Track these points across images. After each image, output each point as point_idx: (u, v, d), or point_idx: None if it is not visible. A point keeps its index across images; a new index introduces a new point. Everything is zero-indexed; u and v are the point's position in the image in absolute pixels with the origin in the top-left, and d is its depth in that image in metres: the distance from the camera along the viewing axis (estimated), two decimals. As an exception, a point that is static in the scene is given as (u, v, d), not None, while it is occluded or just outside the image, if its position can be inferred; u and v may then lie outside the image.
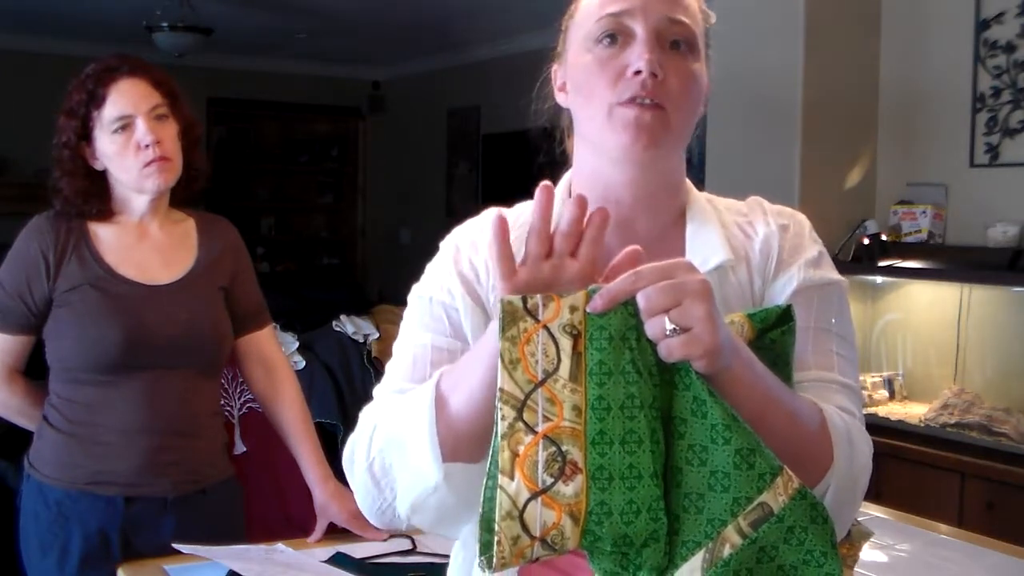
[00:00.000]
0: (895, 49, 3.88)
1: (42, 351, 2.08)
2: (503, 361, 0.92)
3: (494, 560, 0.91)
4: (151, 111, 2.01)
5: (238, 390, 3.01)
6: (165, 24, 5.91)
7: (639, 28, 1.11)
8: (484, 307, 1.15)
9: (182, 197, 2.14)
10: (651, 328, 0.91)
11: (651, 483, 0.91)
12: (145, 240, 2.08)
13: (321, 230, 9.45)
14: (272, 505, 2.94)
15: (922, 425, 3.39)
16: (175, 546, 1.92)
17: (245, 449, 2.85)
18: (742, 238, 1.18)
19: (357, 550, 2.01)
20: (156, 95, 2.02)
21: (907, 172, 3.85)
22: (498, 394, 0.92)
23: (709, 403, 0.92)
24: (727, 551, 0.91)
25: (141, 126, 1.99)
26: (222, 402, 2.52)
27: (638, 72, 1.09)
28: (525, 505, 0.90)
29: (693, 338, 0.90)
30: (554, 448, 0.91)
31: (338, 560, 1.96)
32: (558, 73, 1.23)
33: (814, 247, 1.18)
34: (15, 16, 6.79)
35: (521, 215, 1.21)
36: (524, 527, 0.90)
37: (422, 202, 8.29)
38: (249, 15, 6.59)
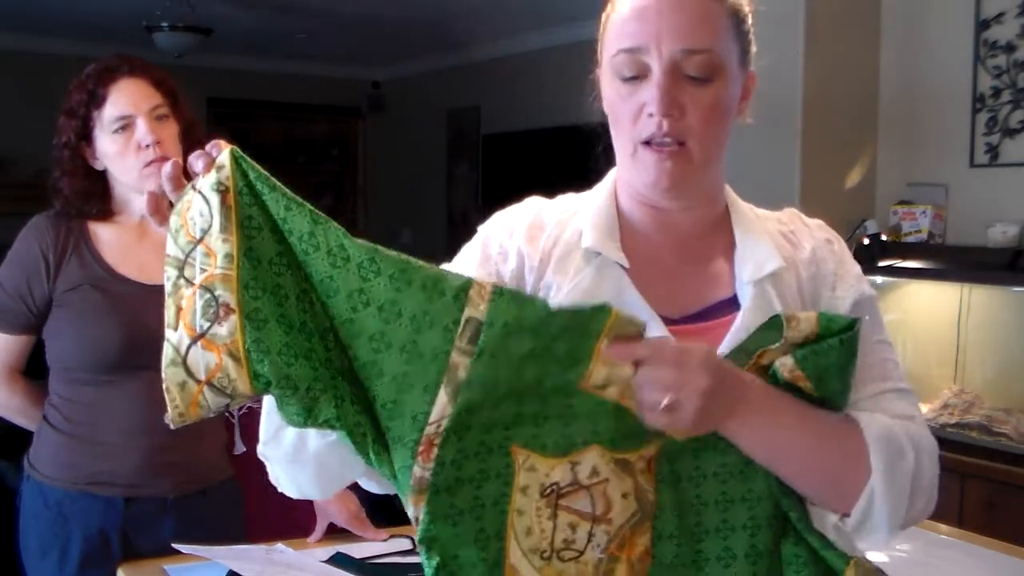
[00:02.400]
0: (895, 49, 3.88)
1: (42, 351, 2.08)
2: (170, 232, 0.99)
3: (171, 413, 0.97)
4: (152, 111, 2.00)
5: (238, 390, 3.01)
6: (165, 24, 5.91)
7: (654, 64, 1.10)
8: None
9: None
10: (646, 396, 0.98)
11: (301, 336, 0.96)
12: (145, 240, 2.08)
13: (321, 230, 9.44)
14: (272, 505, 2.93)
15: (922, 425, 3.38)
16: (175, 546, 1.91)
17: (245, 449, 2.84)
18: (789, 247, 1.21)
19: (357, 550, 2.01)
20: (157, 95, 2.02)
21: (907, 172, 3.85)
22: (165, 260, 0.98)
23: (373, 284, 0.95)
24: (461, 374, 0.95)
25: (142, 126, 1.99)
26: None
27: (652, 114, 1.11)
28: (187, 351, 0.96)
29: (676, 419, 0.98)
30: (209, 295, 0.96)
31: (338, 560, 1.96)
32: (599, 80, 1.24)
33: (855, 262, 1.23)
34: (15, 16, 6.79)
35: (560, 206, 1.24)
36: (188, 372, 0.96)
37: (422, 202, 8.29)
38: (249, 15, 6.59)
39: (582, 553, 1.01)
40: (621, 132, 1.15)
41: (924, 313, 3.74)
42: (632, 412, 1.00)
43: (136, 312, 2.00)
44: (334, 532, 2.11)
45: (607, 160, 1.27)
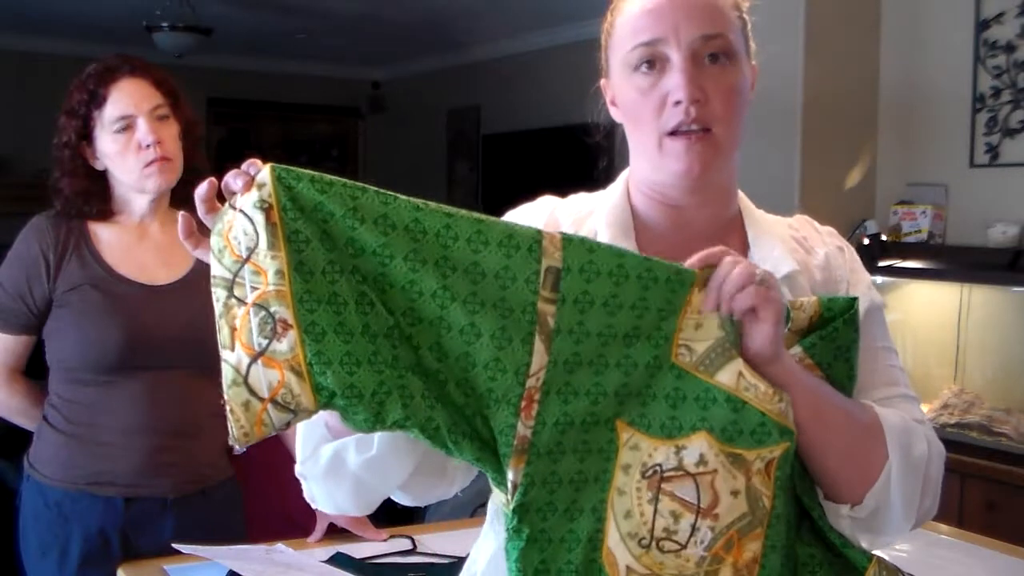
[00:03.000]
0: (895, 49, 3.88)
1: (42, 351, 2.08)
2: (213, 253, 0.97)
3: (235, 433, 0.97)
4: (152, 111, 2.00)
5: (238, 390, 3.00)
6: (165, 24, 5.92)
7: (674, 54, 1.12)
8: None
9: (182, 197, 2.13)
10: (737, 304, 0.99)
11: (364, 340, 0.95)
12: (145, 240, 2.08)
13: (321, 230, 9.44)
14: (272, 505, 2.94)
15: (922, 425, 3.38)
16: (175, 546, 1.91)
17: (245, 449, 2.85)
18: (801, 252, 1.22)
19: (357, 550, 2.01)
20: (157, 95, 2.02)
21: (907, 172, 3.85)
22: (212, 281, 0.97)
23: (421, 275, 0.96)
24: (550, 322, 0.96)
25: (142, 126, 1.99)
26: (222, 402, 2.52)
27: (679, 102, 1.11)
28: (248, 370, 0.95)
29: (758, 329, 0.99)
30: (264, 312, 0.94)
31: (338, 560, 1.96)
32: (607, 88, 1.24)
33: (865, 271, 1.25)
34: (15, 16, 6.79)
35: (575, 206, 1.24)
36: (251, 391, 0.95)
37: (422, 202, 8.27)
38: (249, 15, 6.59)
39: (684, 547, 0.99)
40: (643, 127, 1.15)
41: (924, 313, 3.75)
42: (752, 405, 0.98)
43: (136, 312, 2.00)
44: (334, 532, 2.11)
45: (608, 165, 1.26)
